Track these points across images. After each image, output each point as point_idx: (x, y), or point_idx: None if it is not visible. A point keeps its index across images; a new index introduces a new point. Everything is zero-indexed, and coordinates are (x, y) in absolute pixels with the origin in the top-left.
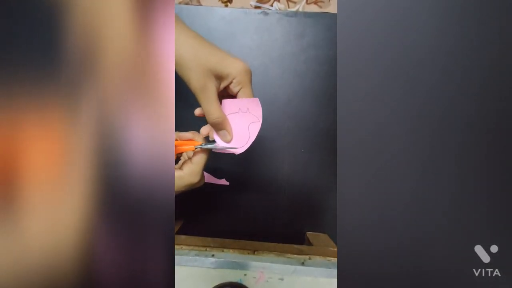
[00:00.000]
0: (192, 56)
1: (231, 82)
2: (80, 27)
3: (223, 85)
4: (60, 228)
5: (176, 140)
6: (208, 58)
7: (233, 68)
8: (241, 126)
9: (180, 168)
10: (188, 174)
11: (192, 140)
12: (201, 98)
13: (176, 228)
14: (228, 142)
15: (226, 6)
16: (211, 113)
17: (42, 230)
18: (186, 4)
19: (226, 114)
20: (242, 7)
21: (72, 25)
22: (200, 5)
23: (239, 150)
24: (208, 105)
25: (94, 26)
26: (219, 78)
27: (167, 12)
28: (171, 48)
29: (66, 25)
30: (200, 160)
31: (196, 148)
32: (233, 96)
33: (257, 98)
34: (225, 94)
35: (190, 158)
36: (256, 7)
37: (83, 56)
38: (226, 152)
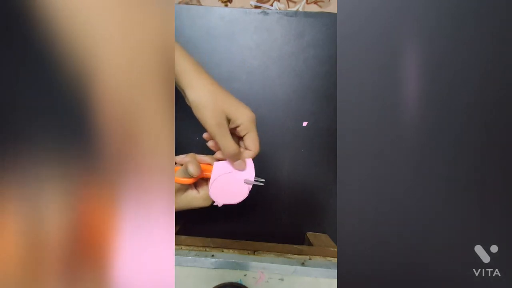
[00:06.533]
0: (210, 98)
1: (238, 126)
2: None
3: (230, 126)
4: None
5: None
6: (224, 100)
7: (242, 115)
8: (237, 183)
9: (196, 189)
10: (203, 198)
11: (210, 165)
12: (217, 133)
13: (176, 229)
14: (243, 170)
15: (226, 5)
16: (227, 147)
17: None
18: (186, 4)
19: (221, 175)
20: (242, 7)
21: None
22: (200, 5)
23: (237, 200)
24: (224, 139)
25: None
26: (228, 120)
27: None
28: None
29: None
30: None
31: None
32: (239, 137)
33: (251, 160)
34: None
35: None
36: (256, 6)
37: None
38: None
